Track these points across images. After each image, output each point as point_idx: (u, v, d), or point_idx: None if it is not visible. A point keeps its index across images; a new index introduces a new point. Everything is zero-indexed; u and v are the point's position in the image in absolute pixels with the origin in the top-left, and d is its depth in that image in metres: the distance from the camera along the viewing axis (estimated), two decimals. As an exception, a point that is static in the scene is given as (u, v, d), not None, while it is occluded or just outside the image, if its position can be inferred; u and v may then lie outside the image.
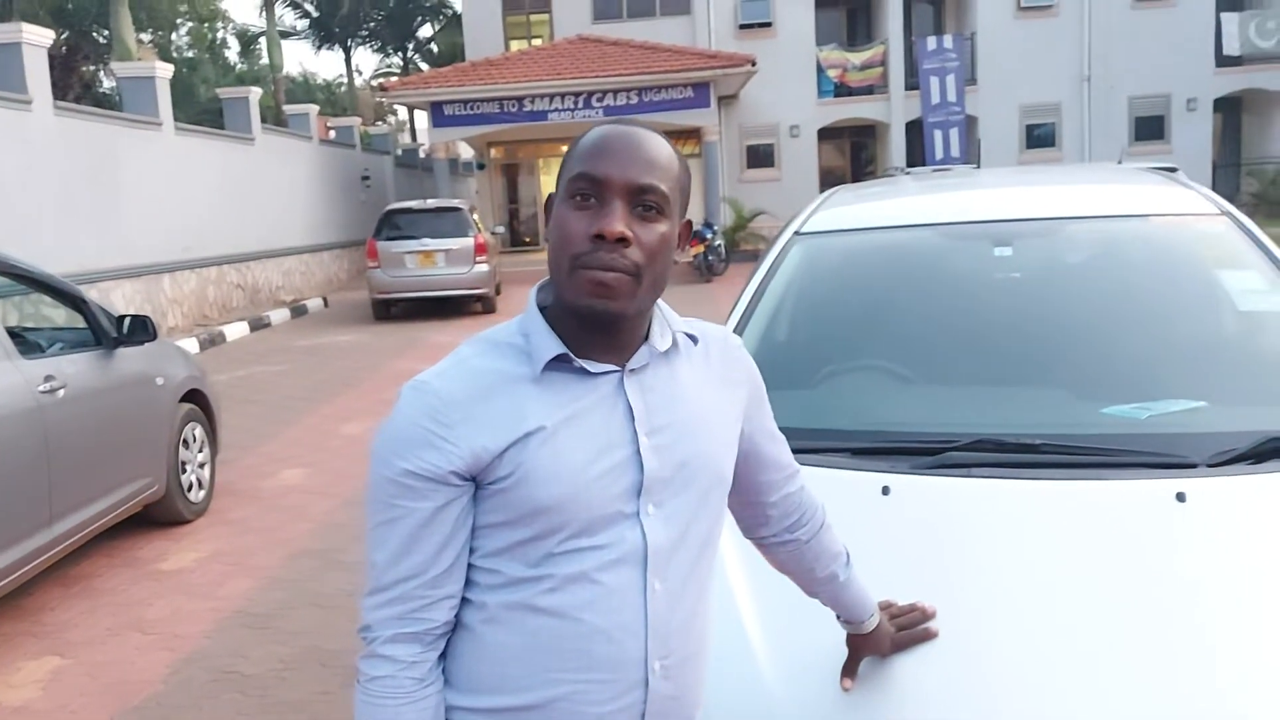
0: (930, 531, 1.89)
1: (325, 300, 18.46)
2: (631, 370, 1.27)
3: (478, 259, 15.22)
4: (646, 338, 1.30)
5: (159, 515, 5.62)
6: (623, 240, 1.19)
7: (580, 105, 20.89)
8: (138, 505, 5.31)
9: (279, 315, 16.04)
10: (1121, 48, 24.17)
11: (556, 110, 21.00)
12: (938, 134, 23.33)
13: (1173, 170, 3.64)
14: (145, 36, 31.94)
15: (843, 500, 1.73)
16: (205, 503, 6.00)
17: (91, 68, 31.71)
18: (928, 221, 2.89)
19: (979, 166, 4.91)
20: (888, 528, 1.90)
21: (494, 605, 1.25)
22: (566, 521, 1.22)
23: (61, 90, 17.77)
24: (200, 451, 5.98)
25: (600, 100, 20.80)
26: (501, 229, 20.98)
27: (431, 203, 16.37)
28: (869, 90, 24.82)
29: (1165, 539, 1.82)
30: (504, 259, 19.55)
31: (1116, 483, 1.96)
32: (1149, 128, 24.74)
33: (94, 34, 31.52)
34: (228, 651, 4.11)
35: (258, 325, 15.08)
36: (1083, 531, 1.85)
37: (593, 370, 1.25)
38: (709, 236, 18.39)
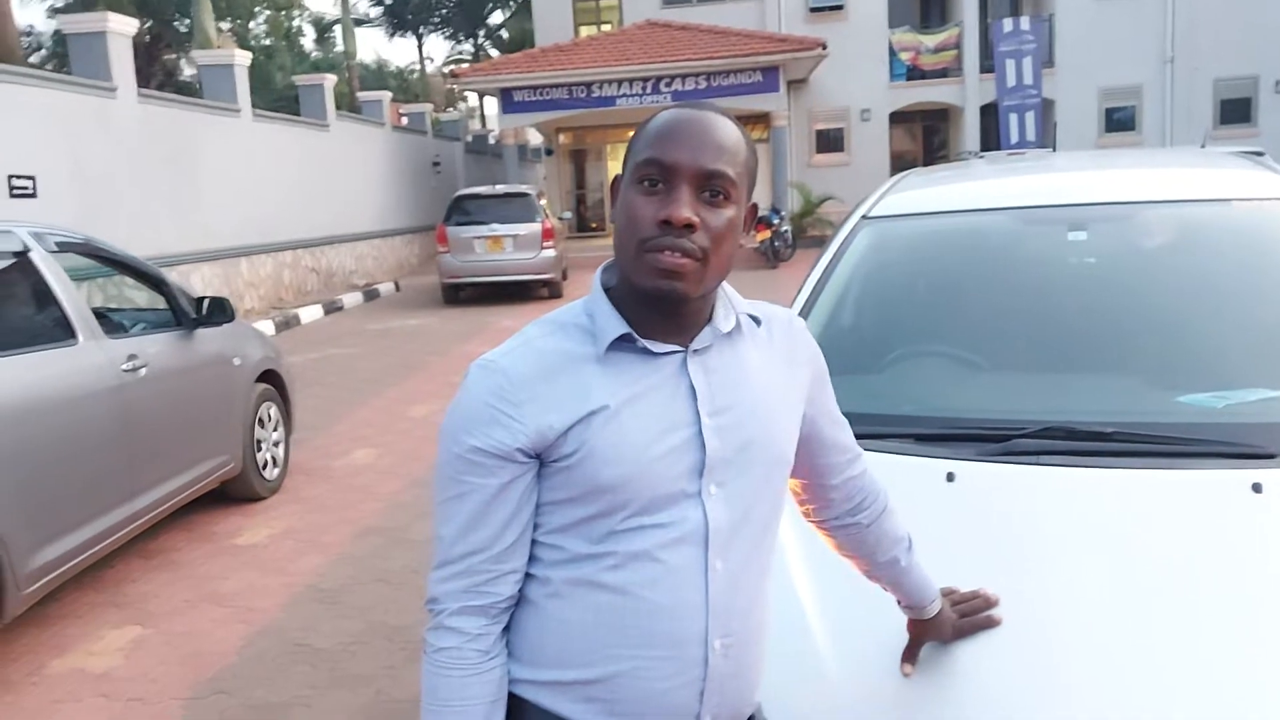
0: (995, 519, 1.87)
1: (396, 284, 18.74)
2: (695, 351, 1.28)
3: (545, 244, 15.32)
4: (710, 319, 1.30)
5: (235, 492, 5.78)
6: (689, 226, 1.19)
7: (648, 90, 20.87)
8: (215, 482, 5.46)
9: (351, 299, 16.34)
10: (1206, 28, 23.38)
11: (625, 96, 21.01)
12: (1013, 117, 22.80)
13: (1259, 154, 3.52)
14: (224, 25, 32.65)
15: (906, 486, 1.72)
16: (279, 481, 6.14)
17: (173, 56, 32.51)
18: (1000, 205, 2.84)
19: (1054, 150, 4.79)
20: (951, 514, 1.88)
21: (558, 581, 1.27)
22: (629, 500, 1.23)
23: (145, 78, 18.25)
24: (275, 431, 6.13)
25: (668, 85, 20.75)
26: (569, 214, 21.08)
27: (500, 188, 16.51)
28: (942, 73, 24.38)
29: (1241, 530, 1.78)
30: (571, 244, 19.65)
31: (1191, 472, 1.91)
32: (1235, 110, 23.91)
33: (175, 23, 32.28)
34: (299, 625, 4.21)
35: (331, 308, 15.37)
36: (1155, 521, 1.81)
37: (656, 351, 1.26)
38: (776, 222, 18.24)
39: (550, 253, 15.39)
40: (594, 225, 27.00)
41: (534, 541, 1.29)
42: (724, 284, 1.32)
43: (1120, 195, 2.78)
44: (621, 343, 1.26)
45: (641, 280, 1.22)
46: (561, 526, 1.27)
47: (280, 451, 6.20)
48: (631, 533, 1.24)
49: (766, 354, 1.36)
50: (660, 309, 1.25)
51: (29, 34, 32.20)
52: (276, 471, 6.12)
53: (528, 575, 1.29)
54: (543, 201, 16.56)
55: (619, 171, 1.31)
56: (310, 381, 9.41)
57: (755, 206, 1.32)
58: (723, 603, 1.27)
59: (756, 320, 1.37)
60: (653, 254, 1.20)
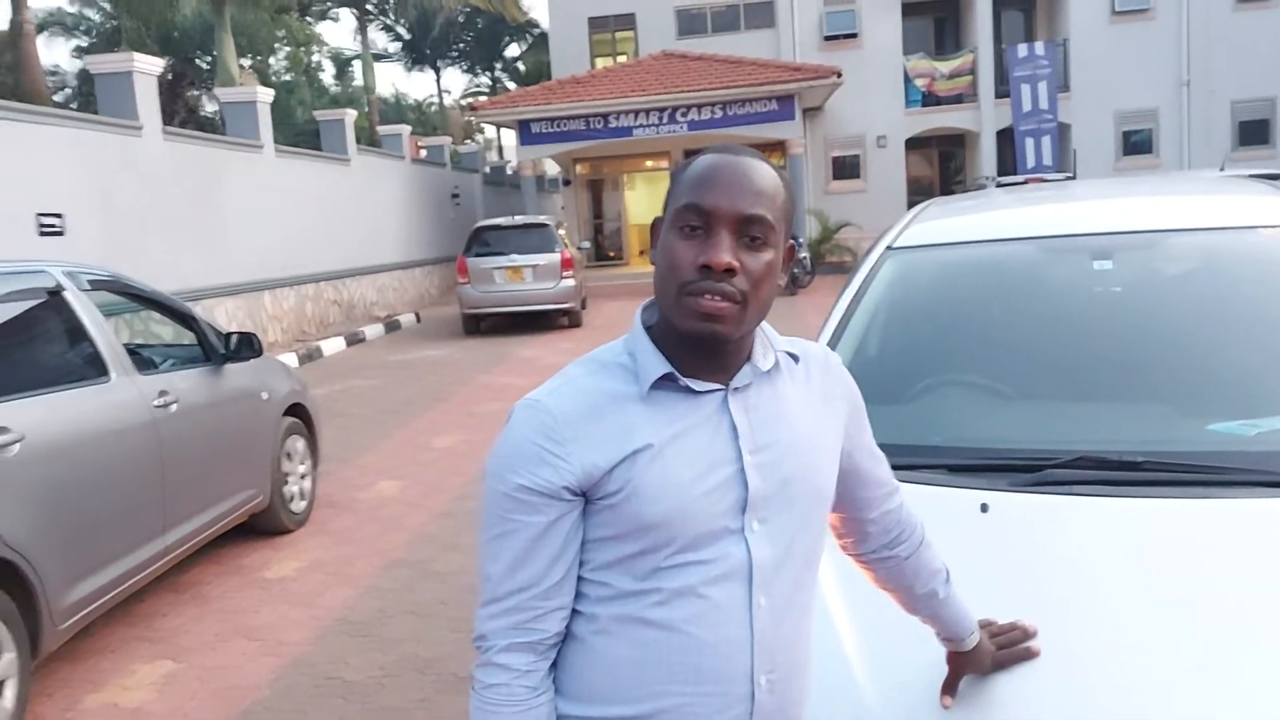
0: (1031, 549, 1.88)
1: (417, 315, 18.86)
2: (735, 389, 1.31)
3: (564, 274, 15.41)
4: (749, 357, 1.33)
5: (263, 525, 5.82)
6: (729, 270, 1.22)
7: (665, 121, 21.01)
8: (243, 515, 5.51)
9: (373, 330, 16.44)
10: (1222, 50, 23.37)
11: (641, 126, 21.14)
12: (1029, 142, 22.85)
13: (1278, 177, 3.53)
14: (245, 61, 33.09)
15: (941, 517, 1.73)
16: (306, 513, 6.18)
17: (195, 93, 32.96)
18: (1025, 235, 2.86)
19: (1074, 176, 4.78)
20: (987, 545, 1.89)
21: (604, 617, 1.29)
22: (673, 537, 1.25)
23: (168, 115, 18.53)
24: (302, 464, 6.17)
25: (684, 115, 20.89)
26: (587, 244, 21.19)
27: (519, 219, 16.62)
28: (958, 99, 24.44)
29: (1275, 559, 1.78)
30: (589, 274, 19.74)
31: (1223, 501, 1.92)
32: (1253, 132, 23.85)
33: (198, 60, 32.75)
34: (329, 659, 4.23)
35: (353, 340, 15.48)
36: (1188, 551, 1.81)
37: (698, 389, 1.29)
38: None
39: (570, 282, 15.47)
40: (612, 254, 27.10)
41: (580, 578, 1.31)
42: (763, 322, 1.34)
43: (1145, 224, 2.80)
44: (663, 381, 1.28)
45: (682, 323, 1.25)
46: (607, 563, 1.29)
47: (307, 484, 6.24)
48: (676, 569, 1.26)
49: (805, 391, 1.38)
50: (701, 350, 1.28)
51: (54, 73, 32.72)
52: (303, 504, 6.16)
53: (574, 612, 1.31)
54: (561, 232, 16.66)
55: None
56: (334, 413, 9.47)
57: (793, 247, 1.35)
58: (767, 638, 1.29)
59: (795, 358, 1.39)
60: (693, 298, 1.23)
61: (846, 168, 25.10)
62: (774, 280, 1.27)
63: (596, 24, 25.94)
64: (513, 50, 44.15)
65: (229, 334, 5.53)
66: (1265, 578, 1.74)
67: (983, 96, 24.06)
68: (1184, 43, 23.67)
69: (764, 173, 1.27)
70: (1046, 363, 2.48)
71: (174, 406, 4.75)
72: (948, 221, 3.21)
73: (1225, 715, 1.49)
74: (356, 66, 41.06)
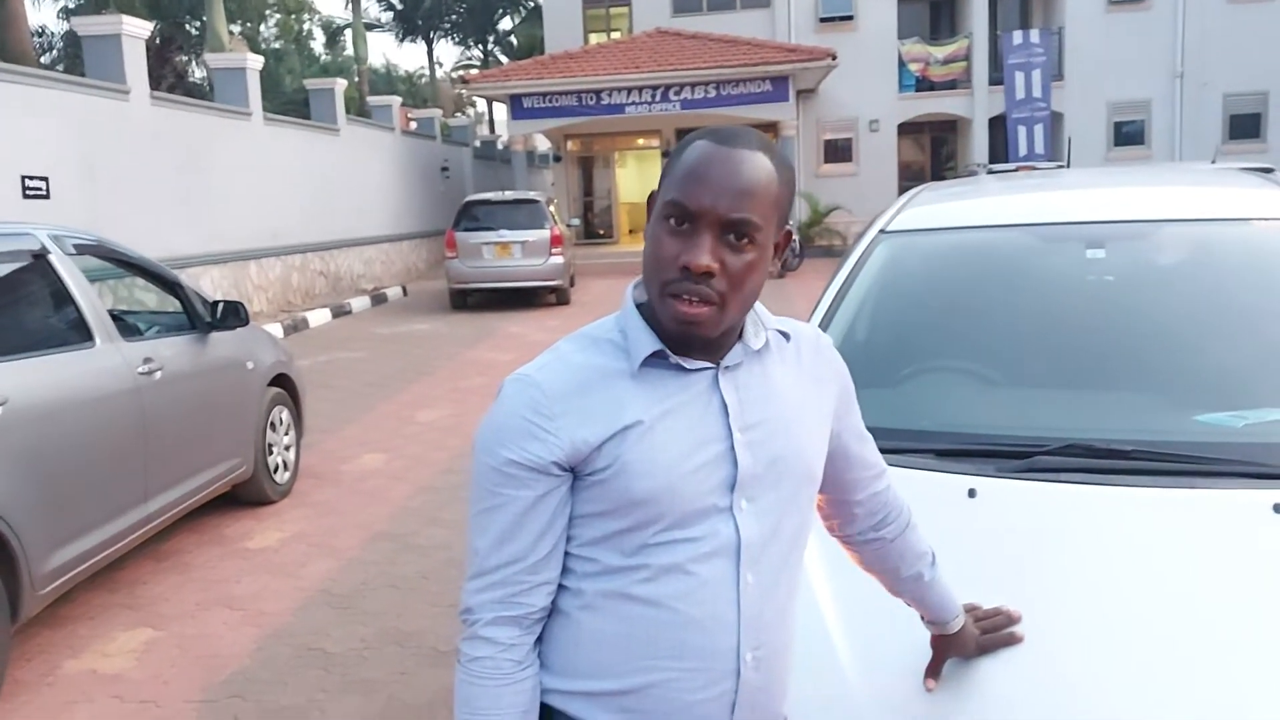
0: (1017, 535, 1.88)
1: (404, 289, 18.79)
2: (726, 367, 1.30)
3: (553, 251, 15.36)
4: (740, 336, 1.32)
5: (245, 495, 5.80)
6: (708, 273, 1.21)
7: (657, 99, 20.91)
8: (226, 485, 5.48)
9: (360, 303, 16.38)
10: (1217, 43, 23.40)
11: (634, 104, 21.04)
12: (1021, 130, 22.88)
13: (1269, 170, 3.53)
14: (235, 28, 32.73)
15: (928, 502, 1.73)
16: (289, 484, 6.17)
17: (184, 58, 32.60)
18: (1017, 222, 2.85)
19: (1068, 165, 4.79)
20: (973, 530, 1.89)
21: (591, 593, 1.28)
22: (662, 514, 1.25)
23: (156, 80, 18.33)
24: (286, 434, 6.15)
25: (678, 94, 20.80)
26: (576, 221, 21.12)
27: (509, 195, 16.51)
28: (951, 85, 24.39)
29: (1261, 550, 1.78)
30: (578, 251, 19.69)
31: (1211, 492, 1.92)
32: (1244, 126, 23.92)
33: (187, 25, 32.39)
34: (311, 630, 4.23)
35: (339, 312, 15.41)
36: (1175, 540, 1.82)
37: (688, 367, 1.28)
38: (784, 232, 18.26)
39: (558, 259, 15.43)
40: (601, 232, 27.00)
41: (567, 554, 1.30)
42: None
43: (1138, 213, 2.79)
44: (654, 359, 1.27)
45: (665, 320, 1.25)
46: (595, 539, 1.28)
47: (291, 455, 6.22)
48: (664, 546, 1.26)
49: (795, 371, 1.38)
50: (688, 337, 1.27)
51: (40, 35, 32.31)
52: (287, 475, 6.14)
53: (561, 587, 1.31)
54: (551, 208, 16.59)
55: (647, 190, 1.32)
56: (318, 385, 9.43)
57: (789, 233, 1.34)
58: (754, 616, 1.29)
59: (786, 336, 1.39)
60: (673, 299, 1.22)
61: (838, 151, 25.03)
62: (757, 276, 1.25)
63: (591, -1, 25.77)
64: (506, 24, 43.88)
65: (215, 302, 5.49)
66: (1250, 569, 1.75)
67: (976, 83, 24.03)
68: (1179, 35, 23.68)
69: (757, 166, 1.22)
70: (1037, 350, 2.48)
71: (158, 374, 4.72)
72: (942, 206, 3.21)
73: (1208, 702, 1.50)
74: (347, 36, 40.66)
